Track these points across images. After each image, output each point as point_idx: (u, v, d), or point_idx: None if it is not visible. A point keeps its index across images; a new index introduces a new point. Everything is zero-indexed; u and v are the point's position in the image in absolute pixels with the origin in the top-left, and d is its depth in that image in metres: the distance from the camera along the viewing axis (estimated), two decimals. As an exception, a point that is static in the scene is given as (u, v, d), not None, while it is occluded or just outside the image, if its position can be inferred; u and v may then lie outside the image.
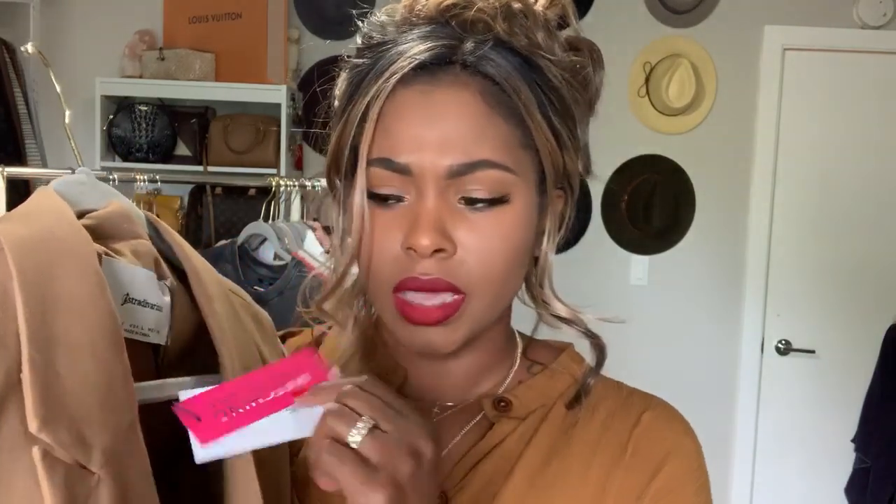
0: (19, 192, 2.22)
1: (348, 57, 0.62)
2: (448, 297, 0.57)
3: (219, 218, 2.67)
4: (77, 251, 0.43)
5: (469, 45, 0.56)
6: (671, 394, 0.66)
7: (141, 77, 2.70)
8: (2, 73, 2.29)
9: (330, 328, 0.66)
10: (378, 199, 0.58)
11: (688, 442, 0.63)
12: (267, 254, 1.72)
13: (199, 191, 2.70)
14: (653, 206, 2.95)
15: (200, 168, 2.70)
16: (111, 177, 1.53)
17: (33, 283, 0.40)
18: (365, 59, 0.60)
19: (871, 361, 2.60)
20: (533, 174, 0.59)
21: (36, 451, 0.39)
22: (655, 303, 3.03)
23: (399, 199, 0.57)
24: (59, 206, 0.47)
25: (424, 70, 0.56)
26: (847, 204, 2.99)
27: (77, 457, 0.40)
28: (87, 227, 0.47)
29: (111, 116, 2.68)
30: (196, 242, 2.66)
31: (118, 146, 2.69)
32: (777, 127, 2.97)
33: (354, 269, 0.61)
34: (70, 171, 1.44)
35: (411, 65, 0.55)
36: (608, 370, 0.65)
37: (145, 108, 2.68)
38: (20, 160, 2.29)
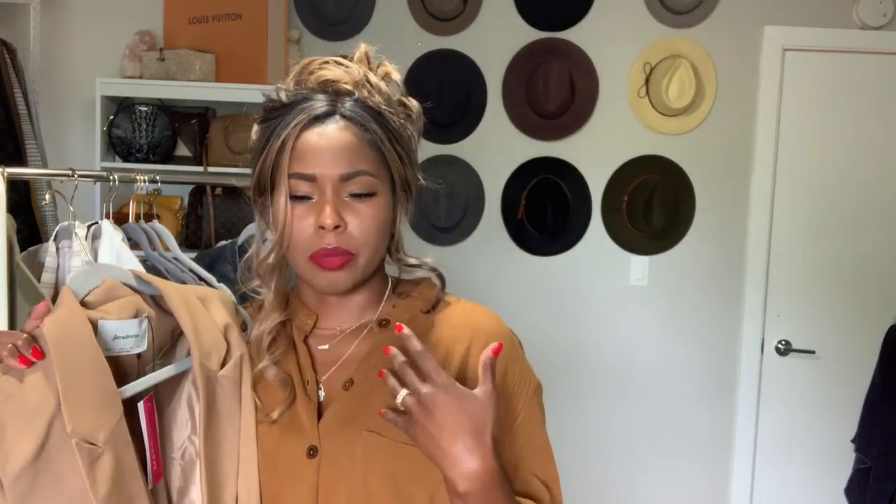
0: (19, 191, 2.23)
1: (258, 117, 0.96)
2: (344, 255, 0.91)
3: (219, 218, 2.67)
4: (81, 333, 0.81)
5: (342, 103, 0.91)
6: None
7: (141, 77, 2.70)
8: (2, 73, 2.28)
9: (262, 300, 1.00)
10: (295, 199, 0.91)
11: (500, 326, 1.00)
12: (267, 254, 1.71)
13: (199, 191, 2.71)
14: (653, 206, 2.94)
15: (200, 168, 2.70)
16: (111, 177, 1.47)
17: (61, 356, 0.79)
18: (272, 118, 0.93)
19: (871, 361, 2.59)
20: (389, 180, 0.94)
21: (73, 441, 0.77)
22: (655, 303, 3.03)
23: (309, 197, 0.91)
24: (72, 305, 0.83)
25: (318, 119, 0.90)
26: (847, 204, 2.99)
27: (91, 439, 0.79)
28: (89, 302, 0.86)
29: (111, 117, 2.68)
30: (196, 242, 2.67)
31: (118, 147, 2.68)
32: (777, 127, 2.97)
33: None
34: (70, 170, 1.43)
35: (310, 116, 0.90)
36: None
37: (145, 109, 2.68)
38: (20, 160, 2.29)
